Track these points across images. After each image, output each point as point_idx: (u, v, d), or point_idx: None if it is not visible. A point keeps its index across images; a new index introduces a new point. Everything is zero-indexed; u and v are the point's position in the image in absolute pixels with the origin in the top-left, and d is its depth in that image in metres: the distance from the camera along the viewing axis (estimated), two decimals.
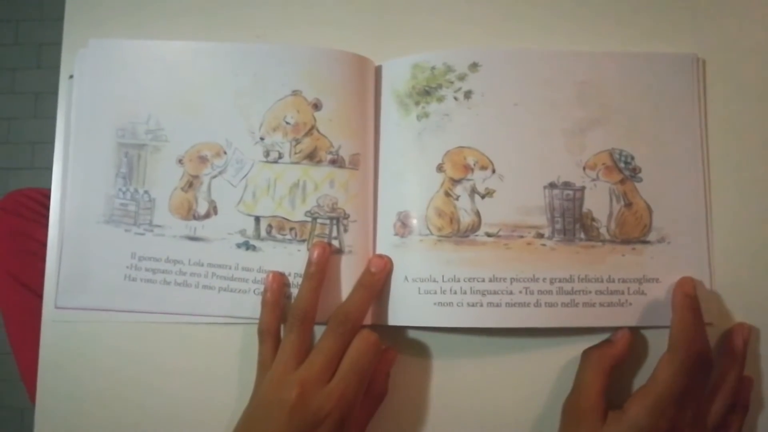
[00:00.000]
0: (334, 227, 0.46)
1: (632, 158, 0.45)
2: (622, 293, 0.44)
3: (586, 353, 0.43)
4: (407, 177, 0.46)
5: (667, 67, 0.46)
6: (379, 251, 0.46)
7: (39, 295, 0.47)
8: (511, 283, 0.43)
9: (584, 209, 0.44)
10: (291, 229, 0.46)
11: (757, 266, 0.45)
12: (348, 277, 0.45)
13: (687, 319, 0.40)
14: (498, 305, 0.43)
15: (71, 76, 0.48)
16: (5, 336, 0.63)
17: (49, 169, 0.48)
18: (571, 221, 0.44)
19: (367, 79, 0.47)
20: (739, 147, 0.47)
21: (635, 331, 0.44)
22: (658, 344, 0.43)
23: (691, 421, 0.40)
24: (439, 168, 0.45)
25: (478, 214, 0.44)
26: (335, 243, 0.45)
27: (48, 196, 0.48)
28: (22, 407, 1.35)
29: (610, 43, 0.48)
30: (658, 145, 0.45)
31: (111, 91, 0.47)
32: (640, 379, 0.44)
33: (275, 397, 0.40)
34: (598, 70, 0.46)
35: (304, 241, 0.46)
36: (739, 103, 0.47)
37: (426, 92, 0.46)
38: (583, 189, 0.45)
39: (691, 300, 0.41)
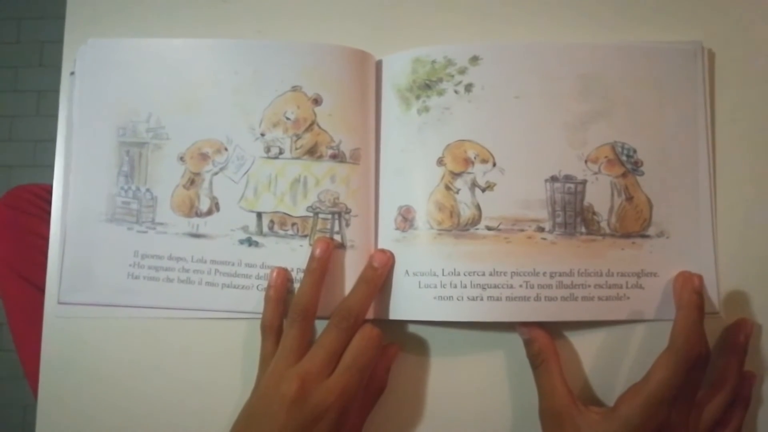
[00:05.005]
0: (336, 222, 0.46)
1: (634, 151, 0.45)
2: (621, 287, 0.44)
3: (530, 360, 0.43)
4: (408, 171, 0.46)
5: (671, 57, 0.46)
6: (380, 246, 0.46)
7: (42, 290, 0.47)
8: (512, 277, 0.43)
9: (585, 203, 0.44)
10: (293, 224, 0.46)
11: (760, 262, 0.45)
12: (350, 271, 0.45)
13: (693, 318, 0.40)
14: (498, 299, 0.43)
15: (72, 73, 0.48)
16: (7, 333, 0.64)
17: (52, 167, 0.48)
18: (572, 215, 0.44)
19: (367, 73, 0.47)
20: (748, 140, 0.46)
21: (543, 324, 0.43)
22: (652, 339, 0.43)
23: (684, 417, 0.40)
24: (440, 162, 0.45)
25: (478, 207, 0.44)
26: (337, 238, 0.45)
27: (50, 192, 0.48)
28: (24, 404, 1.36)
29: (613, 34, 0.48)
30: (661, 137, 0.45)
31: (111, 91, 0.47)
32: (631, 372, 0.44)
33: (275, 391, 0.40)
34: (601, 62, 0.46)
35: (306, 236, 0.46)
36: (748, 95, 0.47)
37: (426, 86, 0.46)
38: (584, 182, 0.45)
39: (699, 297, 0.41)
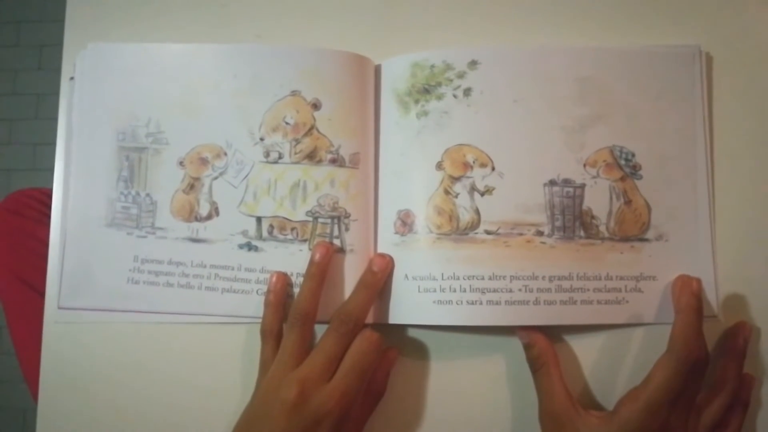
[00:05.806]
0: (335, 226, 0.46)
1: (633, 155, 0.45)
2: (620, 291, 0.44)
3: (530, 363, 0.43)
4: (407, 175, 0.46)
5: (669, 61, 0.46)
6: (379, 250, 0.46)
7: (42, 294, 0.47)
8: (511, 281, 0.43)
9: (584, 207, 0.44)
10: (292, 229, 0.46)
11: (759, 266, 0.45)
12: (349, 275, 0.45)
13: (691, 322, 0.40)
14: (497, 303, 0.43)
15: (72, 78, 0.48)
16: (7, 337, 0.64)
17: (51, 170, 0.48)
18: (571, 219, 0.44)
19: (366, 78, 0.47)
20: (746, 144, 0.46)
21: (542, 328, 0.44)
22: (651, 342, 0.43)
23: (683, 421, 0.40)
24: (439, 166, 0.45)
25: (477, 211, 0.44)
26: (336, 242, 0.46)
27: (50, 196, 0.48)
28: (24, 407, 1.36)
29: (611, 38, 0.48)
30: (660, 141, 0.45)
31: (111, 95, 0.48)
32: (630, 376, 0.44)
33: (275, 396, 0.40)
34: (599, 66, 0.46)
35: (305, 240, 0.46)
36: (747, 98, 0.47)
37: (425, 90, 0.46)
38: (583, 186, 0.45)
39: (698, 301, 0.41)
